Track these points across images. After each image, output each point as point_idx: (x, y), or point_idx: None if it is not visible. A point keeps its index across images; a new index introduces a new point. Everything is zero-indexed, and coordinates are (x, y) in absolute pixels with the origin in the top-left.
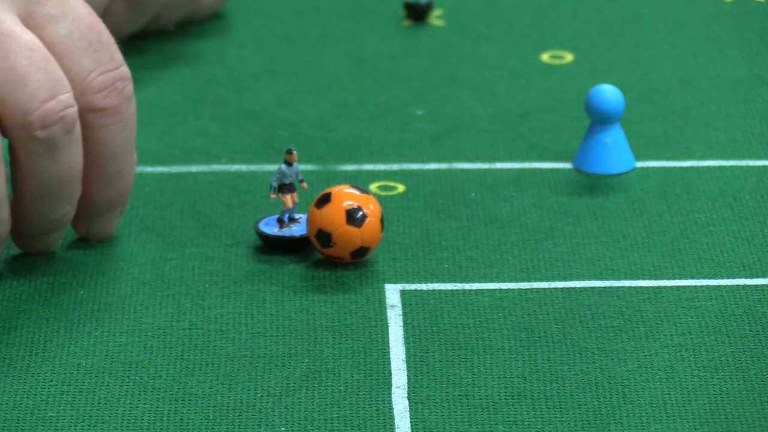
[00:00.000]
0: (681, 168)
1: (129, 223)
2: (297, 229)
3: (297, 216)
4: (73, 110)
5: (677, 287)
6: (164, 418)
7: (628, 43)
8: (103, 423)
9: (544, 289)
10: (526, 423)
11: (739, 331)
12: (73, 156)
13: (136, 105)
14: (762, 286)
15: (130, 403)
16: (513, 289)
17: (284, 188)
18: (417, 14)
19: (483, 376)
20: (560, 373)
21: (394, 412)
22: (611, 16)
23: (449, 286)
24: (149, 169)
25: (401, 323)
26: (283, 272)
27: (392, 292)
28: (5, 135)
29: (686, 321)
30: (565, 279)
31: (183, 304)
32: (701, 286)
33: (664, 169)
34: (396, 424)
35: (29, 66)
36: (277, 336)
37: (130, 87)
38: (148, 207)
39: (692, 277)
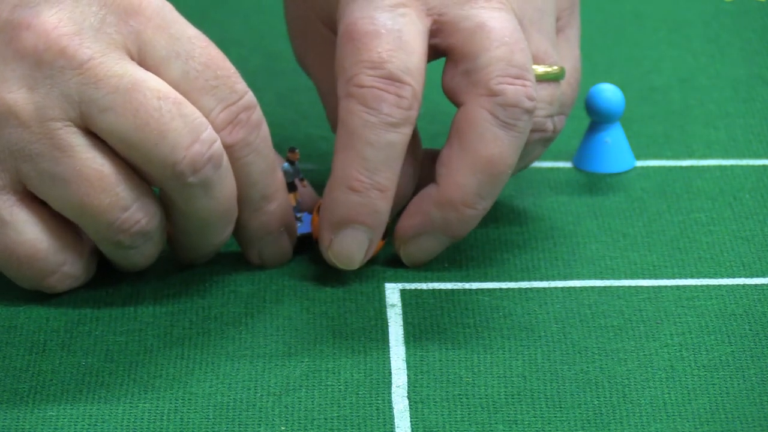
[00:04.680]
0: (681, 167)
1: None
2: (300, 228)
3: (299, 214)
4: (218, 144)
5: (677, 287)
6: (164, 417)
7: (628, 42)
8: (103, 422)
9: (543, 288)
10: (526, 422)
11: (739, 331)
12: (228, 186)
13: (267, 128)
14: (762, 285)
15: (130, 403)
16: (513, 289)
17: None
18: None
19: (483, 375)
20: (560, 372)
21: (394, 411)
22: (611, 15)
23: (449, 286)
24: None
25: (401, 322)
26: (283, 271)
27: (392, 292)
28: (156, 186)
29: (686, 320)
30: (564, 278)
31: (183, 303)
32: (701, 286)
33: (664, 168)
34: (396, 424)
35: (162, 117)
36: (277, 335)
37: (255, 114)
38: None
39: (692, 277)
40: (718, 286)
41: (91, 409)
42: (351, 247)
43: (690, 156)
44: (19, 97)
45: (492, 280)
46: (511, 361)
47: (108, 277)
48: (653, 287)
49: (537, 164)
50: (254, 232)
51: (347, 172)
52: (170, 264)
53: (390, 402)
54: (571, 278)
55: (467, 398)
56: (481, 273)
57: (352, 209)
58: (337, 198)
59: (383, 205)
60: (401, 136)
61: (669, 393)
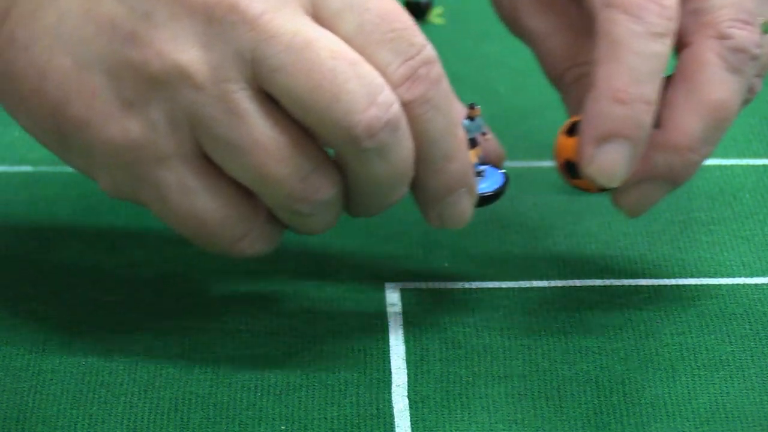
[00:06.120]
0: None
1: (129, 221)
2: (481, 188)
3: (481, 168)
4: (396, 107)
5: (677, 286)
6: (164, 417)
7: None
8: (103, 422)
9: (544, 287)
10: (526, 422)
11: (739, 330)
12: (405, 149)
13: (448, 84)
14: (762, 285)
15: (130, 402)
16: (513, 288)
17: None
18: (417, 12)
19: (483, 375)
20: (560, 372)
21: (394, 410)
22: None
23: (449, 285)
24: None
25: (401, 322)
26: (284, 271)
27: (392, 291)
28: (330, 147)
29: (686, 320)
30: (565, 278)
31: (183, 303)
32: (701, 285)
33: None
34: (396, 423)
35: (336, 78)
36: (277, 335)
37: (435, 69)
38: None
39: (692, 276)
40: (718, 285)
41: (90, 408)
42: (615, 162)
43: None
44: (194, 56)
45: (492, 279)
46: (511, 360)
47: (108, 277)
48: (653, 286)
49: (537, 164)
50: (434, 193)
51: (612, 83)
52: (170, 264)
53: (390, 401)
54: (572, 277)
55: (467, 398)
56: (481, 273)
57: (617, 122)
58: (601, 110)
59: (647, 120)
60: (665, 47)
61: (669, 392)
